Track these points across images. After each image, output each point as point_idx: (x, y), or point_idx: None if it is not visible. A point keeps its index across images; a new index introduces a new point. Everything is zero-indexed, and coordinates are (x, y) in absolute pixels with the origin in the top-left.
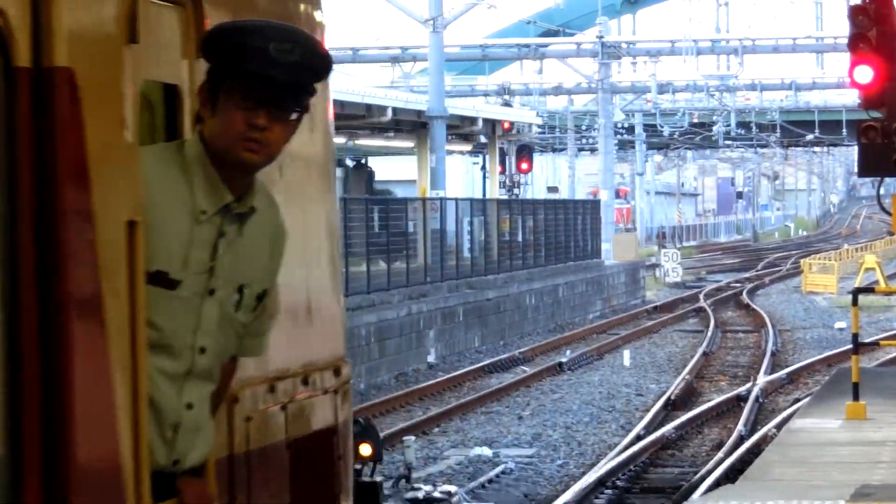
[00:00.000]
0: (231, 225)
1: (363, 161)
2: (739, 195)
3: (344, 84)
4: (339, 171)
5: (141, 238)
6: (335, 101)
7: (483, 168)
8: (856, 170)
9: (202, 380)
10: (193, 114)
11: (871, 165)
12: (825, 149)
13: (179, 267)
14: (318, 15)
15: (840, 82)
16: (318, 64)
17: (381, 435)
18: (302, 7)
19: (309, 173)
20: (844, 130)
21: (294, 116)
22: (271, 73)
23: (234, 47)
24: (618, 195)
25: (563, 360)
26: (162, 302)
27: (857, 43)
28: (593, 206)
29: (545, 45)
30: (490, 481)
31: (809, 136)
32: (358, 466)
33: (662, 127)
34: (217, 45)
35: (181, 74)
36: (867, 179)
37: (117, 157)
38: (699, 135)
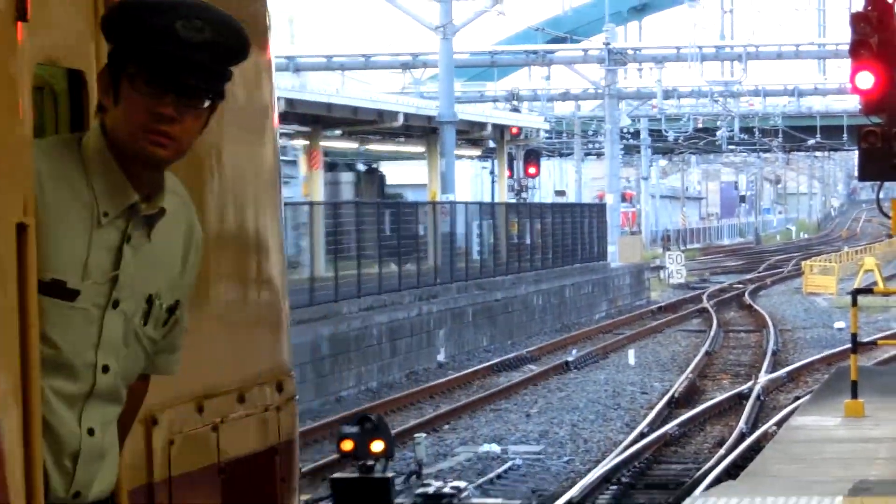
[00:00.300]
0: (138, 228)
1: (375, 166)
2: (742, 199)
3: (356, 90)
4: (351, 176)
5: (33, 243)
6: (348, 107)
7: (492, 172)
8: (856, 174)
9: (106, 402)
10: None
11: (872, 170)
12: (826, 153)
13: (78, 276)
14: (259, 8)
15: (841, 88)
16: (234, 44)
17: (393, 432)
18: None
19: (249, 178)
20: (845, 135)
21: (207, 104)
22: (178, 54)
23: (135, 25)
24: (623, 199)
25: (570, 359)
26: (58, 315)
27: (859, 49)
28: (599, 209)
29: (552, 52)
30: (499, 477)
31: (811, 141)
32: (371, 462)
33: (667, 132)
34: (117, 24)
35: (88, 59)
36: (867, 183)
37: (2, 150)
38: (703, 140)
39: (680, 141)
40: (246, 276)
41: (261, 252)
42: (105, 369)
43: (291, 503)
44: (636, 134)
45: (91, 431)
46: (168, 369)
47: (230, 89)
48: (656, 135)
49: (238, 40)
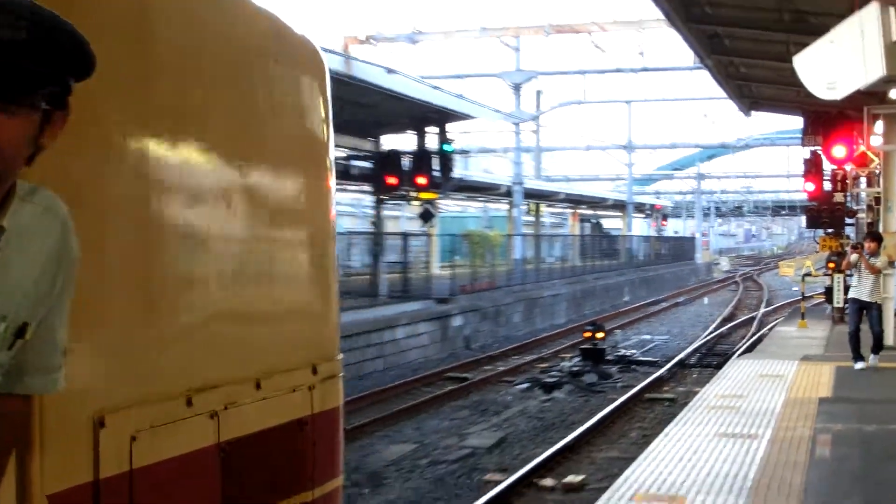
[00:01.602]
0: None
1: (599, 220)
2: (753, 235)
3: (592, 189)
4: (589, 224)
5: None
6: (589, 196)
7: (648, 223)
8: (804, 225)
9: None
10: None
11: (811, 224)
12: (790, 216)
13: None
14: (323, 153)
15: (799, 190)
16: (59, 46)
17: (606, 329)
18: (307, 126)
19: (306, 204)
20: (798, 210)
21: (34, 112)
22: None
23: None
24: (703, 235)
25: (680, 300)
26: None
27: (807, 174)
28: (692, 239)
29: (673, 174)
30: (650, 349)
31: (785, 211)
32: (596, 342)
33: (722, 208)
34: None
35: None
36: (808, 230)
37: None
38: (738, 211)
39: (726, 211)
40: (279, 288)
41: (308, 269)
42: None
43: (331, 459)
44: (708, 208)
45: None
46: (46, 389)
47: (312, 168)
48: (717, 209)
49: (63, 43)
